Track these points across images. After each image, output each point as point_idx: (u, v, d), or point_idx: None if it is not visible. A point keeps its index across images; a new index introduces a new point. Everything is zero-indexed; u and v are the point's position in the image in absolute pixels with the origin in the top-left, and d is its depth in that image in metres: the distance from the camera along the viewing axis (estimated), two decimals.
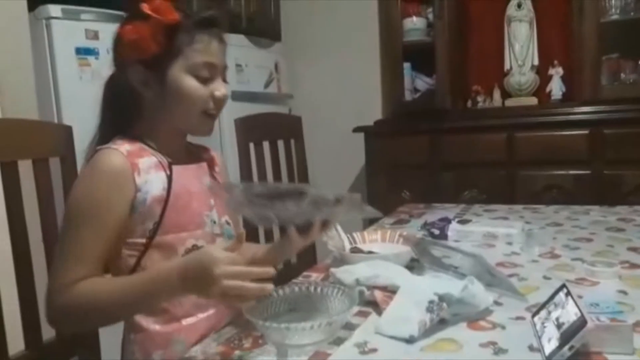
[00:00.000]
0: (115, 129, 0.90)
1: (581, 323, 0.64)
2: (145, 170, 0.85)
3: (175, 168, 0.88)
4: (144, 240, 0.85)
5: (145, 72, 0.86)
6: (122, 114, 0.91)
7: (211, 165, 1.02)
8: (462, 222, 1.36)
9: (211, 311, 0.91)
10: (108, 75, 0.92)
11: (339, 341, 0.75)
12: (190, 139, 1.00)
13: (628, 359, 0.66)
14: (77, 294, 0.78)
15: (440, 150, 2.52)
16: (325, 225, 0.86)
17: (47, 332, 0.99)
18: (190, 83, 0.86)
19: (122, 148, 0.85)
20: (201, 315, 0.90)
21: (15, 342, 0.94)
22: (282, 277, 0.95)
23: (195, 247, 0.88)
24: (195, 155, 1.01)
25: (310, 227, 0.84)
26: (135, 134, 0.90)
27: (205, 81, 0.87)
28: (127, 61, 0.86)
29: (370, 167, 2.68)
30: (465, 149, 2.46)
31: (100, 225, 0.81)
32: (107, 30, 1.81)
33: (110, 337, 1.06)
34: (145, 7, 0.82)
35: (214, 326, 0.88)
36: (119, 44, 0.87)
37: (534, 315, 0.77)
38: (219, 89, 0.89)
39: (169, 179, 0.87)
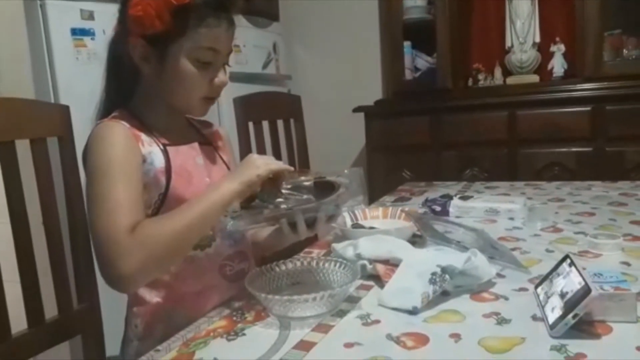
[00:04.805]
0: (116, 99, 0.90)
1: (585, 291, 0.64)
2: (148, 143, 0.86)
3: (168, 148, 0.88)
4: (149, 212, 0.85)
5: (146, 47, 0.84)
6: (121, 84, 0.90)
7: (214, 140, 1.02)
8: (464, 198, 1.35)
9: (214, 287, 0.91)
10: (111, 35, 0.91)
11: (341, 313, 0.75)
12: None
13: (631, 327, 0.66)
14: (142, 231, 0.75)
15: (441, 130, 2.51)
16: (330, 219, 0.87)
17: (50, 312, 0.99)
18: (189, 68, 0.85)
19: (122, 122, 0.85)
20: (204, 291, 0.90)
21: (18, 321, 0.94)
22: (284, 253, 0.95)
23: None
24: (194, 131, 1.00)
25: (315, 220, 0.85)
26: (133, 109, 0.90)
27: (205, 65, 0.86)
28: (130, 32, 0.84)
29: (370, 147, 2.67)
30: (466, 128, 2.45)
31: (131, 176, 0.81)
32: (103, 11, 1.81)
33: (112, 316, 1.07)
34: None
35: (217, 303, 0.88)
36: (124, 13, 0.84)
37: (537, 286, 0.77)
38: (219, 76, 0.88)
39: (166, 155, 0.87)
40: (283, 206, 0.84)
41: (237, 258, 0.95)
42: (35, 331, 0.94)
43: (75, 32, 1.76)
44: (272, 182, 0.83)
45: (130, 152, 0.83)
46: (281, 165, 0.84)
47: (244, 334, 0.71)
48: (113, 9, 0.89)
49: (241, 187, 0.80)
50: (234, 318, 0.77)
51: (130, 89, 0.91)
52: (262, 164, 0.82)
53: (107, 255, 0.75)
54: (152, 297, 0.88)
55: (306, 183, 0.88)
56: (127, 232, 0.75)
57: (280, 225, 0.85)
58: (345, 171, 0.90)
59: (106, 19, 0.95)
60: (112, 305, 1.09)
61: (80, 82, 1.71)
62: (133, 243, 0.75)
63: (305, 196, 0.87)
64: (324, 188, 0.87)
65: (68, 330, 1.02)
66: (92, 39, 1.78)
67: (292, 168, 0.86)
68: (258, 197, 0.84)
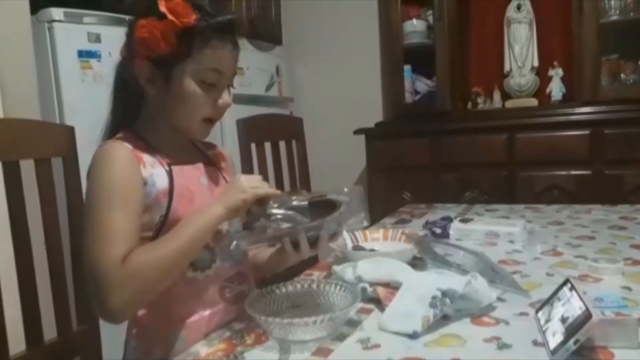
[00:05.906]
0: (122, 121, 0.91)
1: (586, 317, 0.64)
2: (151, 164, 0.86)
3: (173, 168, 0.89)
4: (150, 234, 0.85)
5: (152, 68, 0.85)
6: (127, 105, 0.92)
7: (217, 161, 1.03)
8: (464, 220, 1.35)
9: (213, 309, 0.90)
10: (119, 59, 0.92)
11: (341, 337, 0.75)
12: None
13: (633, 353, 0.65)
14: (132, 263, 0.76)
15: (441, 152, 2.52)
16: (333, 237, 0.87)
17: (49, 333, 0.98)
18: (194, 89, 0.86)
19: (125, 143, 0.85)
20: (203, 313, 0.89)
21: (17, 342, 0.93)
22: (285, 275, 0.95)
23: None
24: (198, 152, 1.01)
25: (317, 239, 0.85)
26: (138, 130, 0.91)
27: (210, 87, 0.87)
28: (136, 54, 0.85)
29: (371, 169, 2.69)
30: (465, 151, 2.46)
31: (129, 202, 0.81)
32: (109, 34, 1.85)
33: (111, 338, 1.06)
34: (162, 5, 0.81)
35: (216, 325, 0.88)
36: (131, 36, 0.86)
37: (537, 311, 0.77)
38: (223, 97, 0.89)
39: (170, 175, 0.87)
40: (285, 225, 0.84)
41: (236, 279, 0.94)
42: (33, 353, 0.94)
43: (82, 54, 1.79)
44: (260, 203, 0.84)
45: (130, 176, 0.83)
46: (268, 189, 0.85)
47: (243, 358, 0.71)
48: (119, 32, 0.90)
49: (227, 212, 0.81)
50: (234, 341, 0.77)
51: (136, 111, 0.92)
52: (249, 188, 0.82)
53: (98, 289, 0.76)
54: (151, 319, 0.87)
55: (296, 203, 0.89)
56: (118, 265, 0.75)
57: (282, 244, 0.85)
58: (345, 189, 0.90)
59: (112, 42, 0.97)
60: (111, 328, 1.08)
61: (85, 103, 1.73)
62: (123, 277, 0.75)
63: (290, 211, 0.87)
64: (323, 207, 0.87)
65: (67, 352, 1.01)
66: (98, 61, 1.81)
67: (279, 192, 0.87)
68: (247, 217, 0.84)
